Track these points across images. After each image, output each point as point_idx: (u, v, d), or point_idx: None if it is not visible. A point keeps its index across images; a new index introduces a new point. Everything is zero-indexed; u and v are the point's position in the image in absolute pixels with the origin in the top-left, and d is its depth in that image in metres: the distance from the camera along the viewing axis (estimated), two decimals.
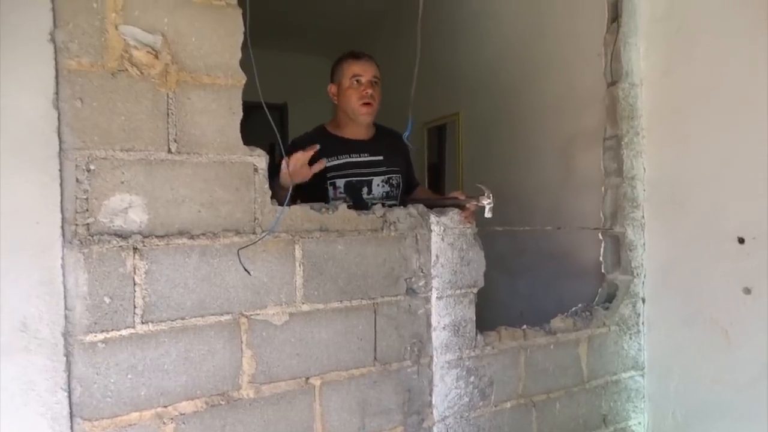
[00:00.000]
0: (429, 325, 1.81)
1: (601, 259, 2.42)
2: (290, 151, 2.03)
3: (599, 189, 2.44)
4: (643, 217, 2.36)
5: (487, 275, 3.54)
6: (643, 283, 2.37)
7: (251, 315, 1.50)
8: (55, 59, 1.24)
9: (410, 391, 1.76)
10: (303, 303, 1.57)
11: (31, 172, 1.22)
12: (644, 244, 2.36)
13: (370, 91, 2.02)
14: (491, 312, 3.48)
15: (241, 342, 1.48)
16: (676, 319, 2.25)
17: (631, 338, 2.34)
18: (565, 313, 2.24)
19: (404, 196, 2.29)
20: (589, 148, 2.68)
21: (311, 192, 1.86)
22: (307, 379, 1.59)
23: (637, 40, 2.37)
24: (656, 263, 2.34)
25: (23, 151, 1.21)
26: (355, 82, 2.04)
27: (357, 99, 2.02)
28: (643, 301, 2.37)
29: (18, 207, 1.22)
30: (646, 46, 2.36)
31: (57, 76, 1.25)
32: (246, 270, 1.43)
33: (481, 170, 3.62)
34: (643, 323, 2.37)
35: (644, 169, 2.36)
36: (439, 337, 1.83)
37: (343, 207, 1.65)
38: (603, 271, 2.42)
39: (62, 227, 1.26)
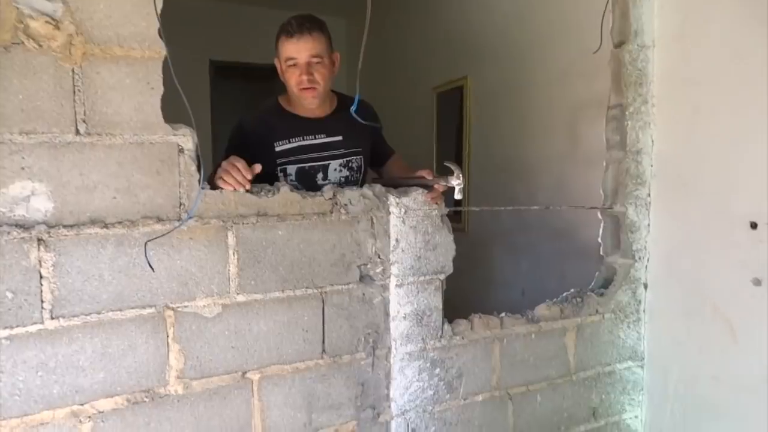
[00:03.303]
0: (387, 314, 1.68)
1: (599, 240, 2.21)
2: (237, 131, 1.88)
3: None
4: (648, 195, 2.13)
5: (490, 252, 3.41)
6: (646, 267, 2.15)
7: (178, 307, 1.40)
8: None
9: (364, 385, 1.65)
10: (238, 293, 1.46)
11: None
12: (649, 225, 2.14)
13: (305, 76, 1.75)
14: (493, 291, 3.34)
15: (167, 336, 1.39)
16: (680, 309, 2.04)
17: (629, 327, 2.15)
18: (554, 299, 2.06)
19: (375, 167, 2.12)
20: (597, 119, 2.42)
21: (263, 179, 1.70)
22: (244, 373, 1.49)
23: None
24: (661, 247, 2.11)
25: None
26: (291, 66, 1.78)
27: (295, 84, 1.79)
28: (645, 287, 2.16)
29: None
30: (661, 2, 2.07)
31: None
32: (150, 266, 1.32)
33: (488, 139, 3.39)
34: (644, 311, 2.17)
35: (652, 142, 2.11)
36: (398, 327, 1.69)
37: (285, 189, 1.51)
38: (601, 253, 2.21)
39: None
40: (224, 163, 1.46)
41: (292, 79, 1.79)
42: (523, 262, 3.07)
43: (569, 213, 2.61)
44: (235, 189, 1.45)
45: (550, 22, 2.83)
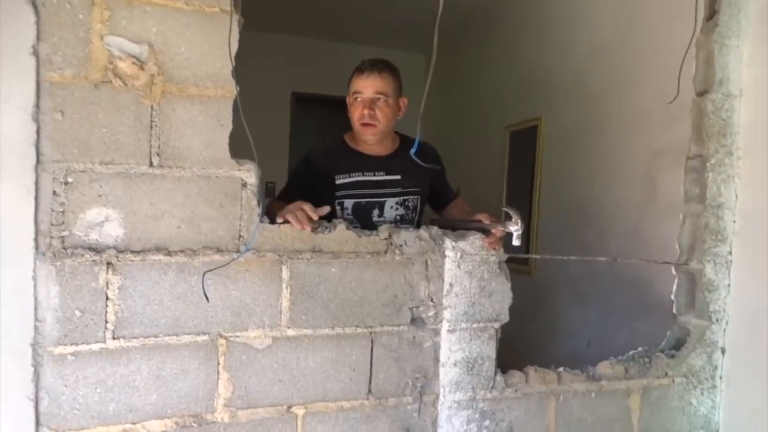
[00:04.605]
0: (437, 359, 1.64)
1: (672, 297, 2.08)
2: (303, 163, 1.94)
3: None
4: (730, 253, 1.98)
5: (557, 297, 3.28)
6: (724, 330, 1.99)
7: (230, 337, 1.44)
8: (37, 72, 1.25)
9: (409, 431, 1.62)
10: (288, 327, 1.48)
11: (5, 185, 1.24)
12: (729, 285, 1.98)
13: (366, 111, 1.80)
14: (558, 338, 3.20)
15: (218, 364, 1.43)
16: (762, 378, 1.86)
17: (702, 394, 1.98)
18: (618, 357, 1.94)
19: (436, 210, 2.11)
20: (675, 168, 2.30)
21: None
22: (290, 407, 1.50)
23: (739, 43, 1.97)
24: (743, 309, 1.95)
25: None
26: (356, 100, 1.84)
27: (357, 119, 1.84)
28: (723, 351, 1.99)
29: None
30: (751, 51, 1.95)
31: (38, 89, 1.26)
32: (206, 296, 1.37)
33: (559, 181, 3.29)
34: (720, 377, 2.00)
35: (736, 196, 1.98)
36: (448, 374, 1.65)
37: (341, 226, 1.53)
38: (674, 311, 2.07)
39: (35, 239, 1.27)
40: (292, 206, 1.49)
41: (356, 113, 1.85)
42: (591, 311, 2.93)
43: (641, 265, 2.47)
44: (301, 228, 1.46)
45: (626, 65, 2.74)
